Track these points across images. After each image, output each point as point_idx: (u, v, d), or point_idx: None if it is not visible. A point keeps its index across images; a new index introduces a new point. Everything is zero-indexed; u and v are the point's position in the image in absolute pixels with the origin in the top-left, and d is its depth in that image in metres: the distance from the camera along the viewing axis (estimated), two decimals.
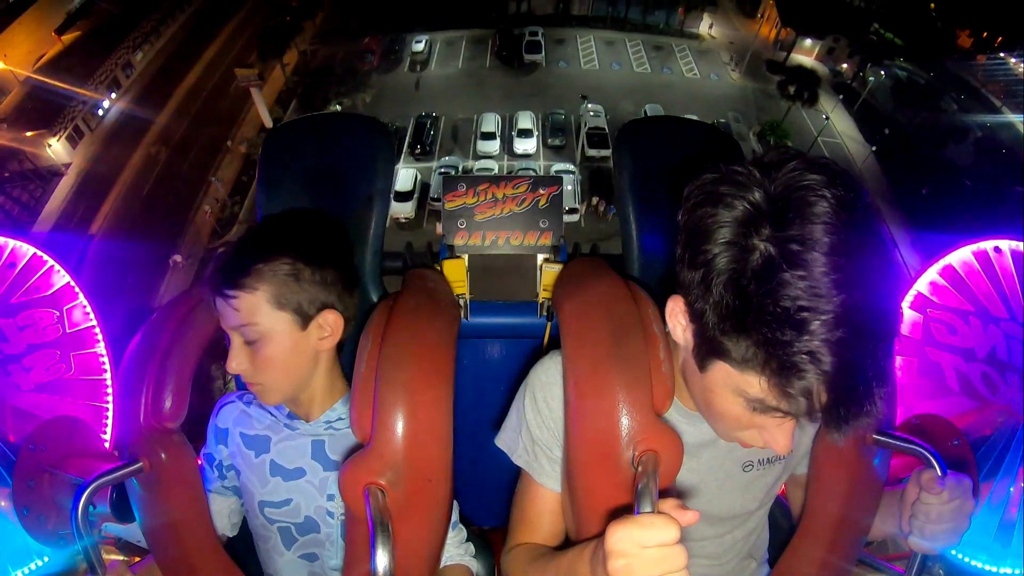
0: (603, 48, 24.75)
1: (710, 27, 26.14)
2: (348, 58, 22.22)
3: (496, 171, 17.01)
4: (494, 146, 18.50)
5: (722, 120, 20.15)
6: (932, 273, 1.33)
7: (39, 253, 1.29)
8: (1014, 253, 1.25)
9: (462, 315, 1.25)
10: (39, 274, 1.29)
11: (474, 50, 24.32)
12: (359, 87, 20.58)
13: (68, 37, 22.62)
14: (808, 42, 25.12)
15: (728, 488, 0.89)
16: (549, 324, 1.26)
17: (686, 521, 0.59)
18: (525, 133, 18.94)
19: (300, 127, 1.25)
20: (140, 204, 16.73)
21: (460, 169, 17.06)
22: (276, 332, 0.88)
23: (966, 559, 1.19)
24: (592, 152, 17.86)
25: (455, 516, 1.01)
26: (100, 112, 19.94)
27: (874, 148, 19.51)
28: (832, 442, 0.90)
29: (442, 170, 16.87)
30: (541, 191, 1.24)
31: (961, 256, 1.30)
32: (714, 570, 0.96)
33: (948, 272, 1.31)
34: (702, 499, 0.89)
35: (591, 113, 19.22)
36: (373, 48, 23.05)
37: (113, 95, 20.74)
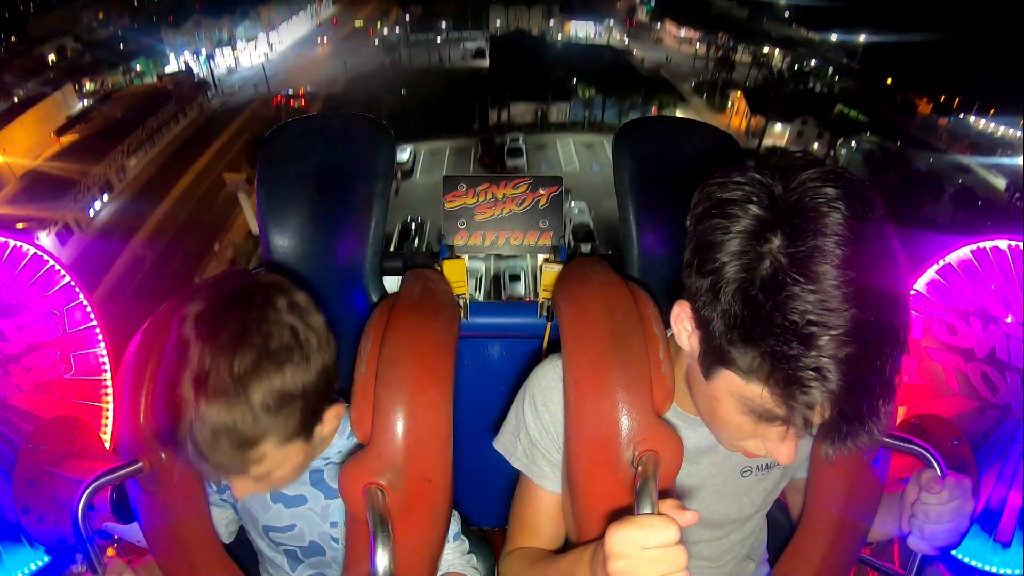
0: (583, 151, 26.38)
1: None
2: None
3: (482, 272, 17.05)
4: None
5: None
6: (932, 273, 1.33)
7: (39, 253, 1.29)
8: (1014, 253, 1.25)
9: (462, 315, 1.24)
10: (39, 274, 1.29)
11: (457, 158, 25.53)
12: None
13: (67, 139, 23.49)
14: (778, 127, 26.88)
15: (726, 493, 0.89)
16: (549, 324, 1.26)
17: (685, 521, 0.59)
18: None
19: (300, 127, 1.24)
20: (123, 304, 16.72)
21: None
22: (288, 460, 0.79)
23: (966, 559, 1.20)
24: (578, 246, 18.08)
25: (458, 527, 1.00)
26: (91, 213, 20.53)
27: None
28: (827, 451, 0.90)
29: None
30: (541, 191, 1.24)
31: (961, 256, 1.30)
32: (713, 571, 0.96)
33: (948, 272, 1.31)
34: (700, 503, 0.88)
35: (576, 211, 19.73)
36: None
37: (105, 197, 21.40)
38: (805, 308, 0.53)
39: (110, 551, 1.00)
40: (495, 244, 1.25)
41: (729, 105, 30.10)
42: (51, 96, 24.70)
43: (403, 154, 23.85)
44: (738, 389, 0.63)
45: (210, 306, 0.72)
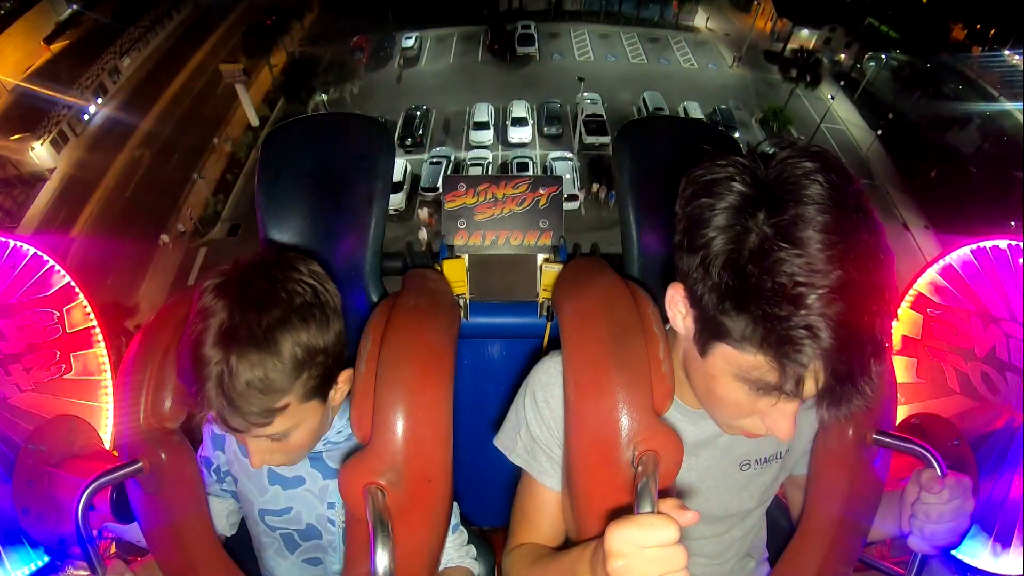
0: (598, 41, 24.74)
1: (706, 21, 26.32)
2: (336, 54, 22.14)
3: (490, 160, 16.88)
4: (487, 135, 18.27)
5: (723, 106, 20.04)
6: (932, 273, 1.33)
7: (39, 253, 1.29)
8: (1014, 253, 1.25)
9: (462, 315, 1.25)
10: (39, 274, 1.29)
11: (465, 46, 24.35)
12: (346, 78, 20.30)
13: (57, 46, 22.84)
14: (804, 32, 25.29)
15: (726, 487, 0.89)
16: (549, 324, 1.26)
17: (686, 521, 0.59)
18: (519, 122, 18.68)
19: (300, 127, 1.25)
20: (122, 206, 16.78)
21: (452, 159, 16.91)
22: (306, 421, 0.82)
23: (966, 559, 1.20)
24: (590, 140, 17.69)
25: (456, 519, 1.00)
26: (86, 117, 20.07)
27: (879, 132, 19.61)
28: (831, 442, 0.91)
29: (433, 160, 16.76)
30: (541, 191, 1.24)
31: (961, 256, 1.30)
32: (713, 569, 0.97)
33: (948, 272, 1.31)
34: (700, 498, 0.89)
35: (588, 101, 19.05)
36: (362, 46, 23.08)
37: (99, 100, 20.86)
38: (792, 271, 0.55)
39: (112, 550, 1.00)
40: (495, 244, 1.25)
41: (755, 4, 27.58)
42: (38, 4, 23.36)
43: (408, 41, 23.48)
44: (734, 361, 0.64)
45: (232, 276, 0.76)
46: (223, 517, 1.06)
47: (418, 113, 18.79)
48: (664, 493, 0.70)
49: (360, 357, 0.84)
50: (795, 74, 21.44)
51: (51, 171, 17.77)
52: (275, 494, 0.97)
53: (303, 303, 0.77)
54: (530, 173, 16.84)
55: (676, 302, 0.71)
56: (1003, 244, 1.26)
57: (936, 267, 1.32)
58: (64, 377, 1.30)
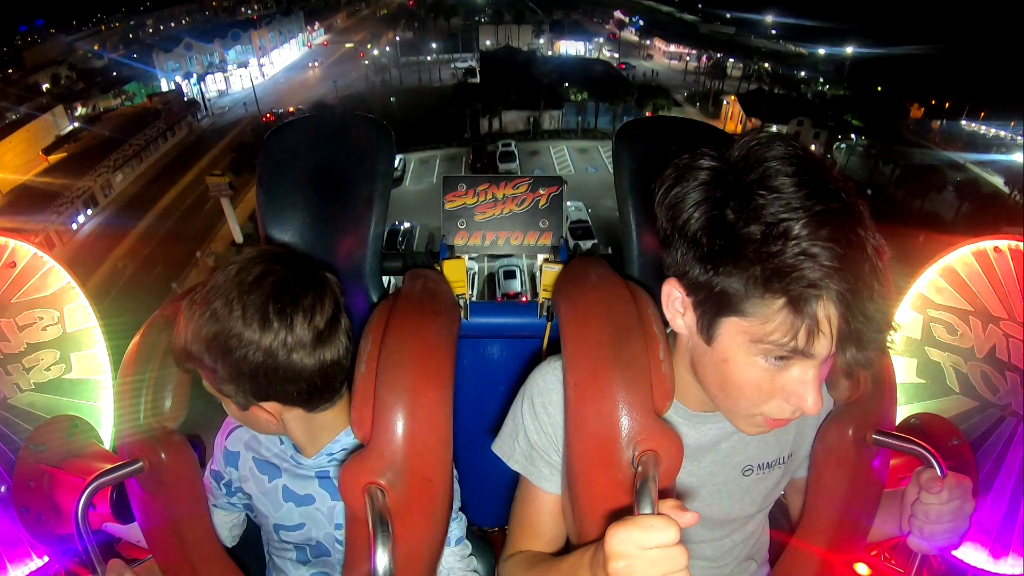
0: (577, 155, 26.21)
1: None
2: None
3: (475, 271, 16.88)
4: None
5: None
6: (932, 273, 1.33)
7: (39, 253, 1.29)
8: (1014, 253, 1.24)
9: (462, 315, 1.24)
10: (39, 274, 1.28)
11: (448, 166, 25.49)
12: None
13: (55, 157, 23.60)
14: (774, 128, 27.34)
15: (728, 492, 0.89)
16: (549, 324, 1.26)
17: (685, 522, 0.59)
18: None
19: (300, 127, 1.24)
20: (99, 314, 16.67)
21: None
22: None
23: (966, 559, 1.19)
24: (576, 243, 17.94)
25: (461, 532, 1.00)
26: (74, 227, 20.45)
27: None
28: (831, 442, 0.91)
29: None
30: (541, 191, 1.24)
31: (961, 256, 1.30)
32: (714, 572, 0.96)
33: (948, 272, 1.31)
34: (701, 502, 0.88)
35: (572, 208, 19.46)
36: None
37: (89, 212, 21.29)
38: (774, 211, 0.59)
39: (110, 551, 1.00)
40: (495, 244, 1.25)
41: (724, 111, 30.49)
42: (41, 117, 24.82)
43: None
44: (744, 330, 0.64)
45: (282, 275, 0.79)
46: (226, 529, 1.06)
47: (402, 228, 18.84)
48: (664, 493, 0.70)
49: (360, 357, 0.84)
50: None
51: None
52: (289, 510, 0.96)
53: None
54: (518, 281, 16.48)
55: (673, 299, 0.71)
56: (1003, 244, 1.26)
57: (936, 267, 1.32)
58: (64, 377, 1.30)
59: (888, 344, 0.63)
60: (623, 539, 0.57)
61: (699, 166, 0.65)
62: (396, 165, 23.48)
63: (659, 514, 0.59)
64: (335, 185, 1.15)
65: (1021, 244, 1.24)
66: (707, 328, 0.67)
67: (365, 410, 0.80)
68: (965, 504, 0.82)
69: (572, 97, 29.25)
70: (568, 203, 18.92)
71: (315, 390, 0.84)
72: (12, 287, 1.26)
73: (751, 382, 0.67)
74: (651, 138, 1.26)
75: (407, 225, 19.08)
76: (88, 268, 18.42)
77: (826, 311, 0.59)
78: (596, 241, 18.48)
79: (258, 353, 0.76)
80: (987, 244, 1.27)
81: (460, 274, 1.22)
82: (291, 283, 0.78)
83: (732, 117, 29.29)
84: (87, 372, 1.33)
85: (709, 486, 0.88)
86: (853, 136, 25.42)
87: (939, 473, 0.81)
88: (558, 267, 1.18)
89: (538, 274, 1.26)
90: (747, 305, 0.62)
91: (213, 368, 0.78)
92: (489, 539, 1.31)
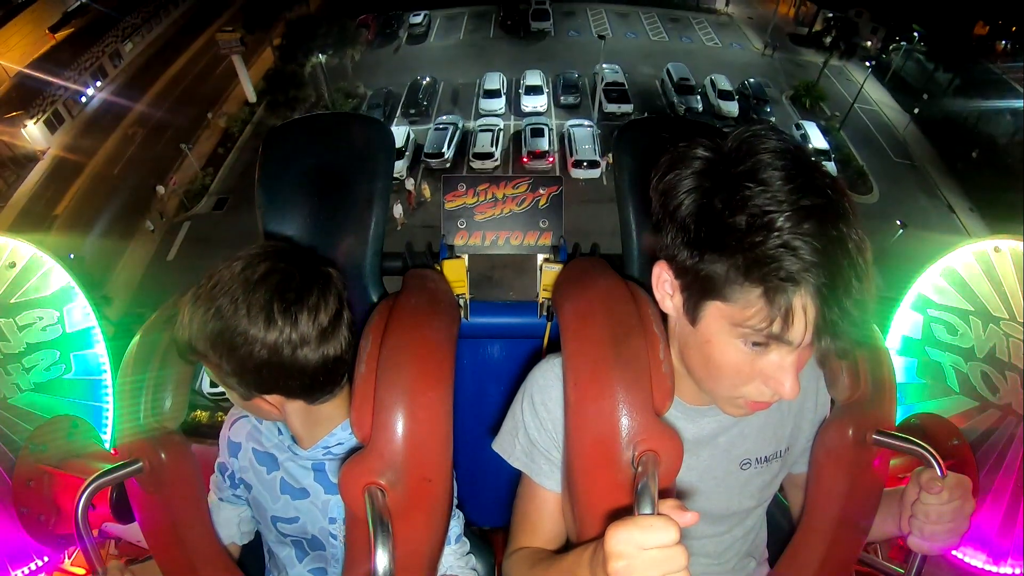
0: (616, 19, 24.25)
1: (727, 4, 26.00)
2: (339, 21, 21.43)
3: (501, 128, 16.30)
4: (499, 103, 17.53)
5: (752, 80, 19.48)
6: (932, 273, 1.33)
7: (39, 253, 1.29)
8: (1014, 253, 1.25)
9: (462, 315, 1.24)
10: (39, 274, 1.29)
11: (476, 23, 23.98)
12: (347, 43, 19.38)
13: (61, 34, 22.68)
14: (829, 16, 24.50)
15: (726, 486, 0.89)
16: (549, 324, 1.26)
17: (685, 522, 0.59)
18: (534, 90, 17.88)
19: (300, 127, 1.25)
20: (110, 182, 16.66)
21: (460, 126, 16.30)
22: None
23: (966, 559, 1.20)
24: (611, 108, 17.03)
25: (460, 529, 1.00)
26: (83, 100, 19.90)
27: (916, 111, 19.43)
28: (831, 441, 0.91)
29: (439, 126, 16.19)
30: (541, 191, 1.24)
31: (961, 256, 1.30)
32: (714, 569, 0.97)
33: (948, 272, 1.31)
34: (700, 497, 0.89)
35: (608, 70, 18.39)
36: (368, 23, 22.81)
37: (98, 84, 20.69)
38: (761, 202, 0.60)
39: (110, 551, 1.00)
40: (495, 244, 1.25)
41: None
42: None
43: (416, 18, 23.27)
44: (725, 315, 0.66)
45: (287, 272, 0.79)
46: (235, 525, 1.06)
47: (424, 83, 18.20)
48: (664, 493, 0.70)
49: (360, 357, 0.84)
50: (828, 42, 20.81)
51: (43, 152, 17.71)
52: (285, 503, 0.97)
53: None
54: (545, 140, 15.31)
55: (662, 280, 0.73)
56: (1003, 244, 1.26)
57: (936, 267, 1.32)
58: (64, 377, 1.30)
59: (867, 337, 0.64)
60: (623, 539, 0.57)
61: (693, 155, 0.67)
62: (420, 20, 22.81)
63: (659, 514, 0.59)
64: (335, 185, 1.15)
65: (1021, 244, 1.24)
66: (692, 310, 0.70)
67: (365, 410, 0.80)
68: (965, 504, 0.82)
69: None
70: (604, 65, 18.13)
71: (317, 384, 0.85)
72: (12, 287, 1.26)
73: (731, 364, 0.69)
74: (651, 138, 1.26)
75: (428, 80, 18.57)
76: (99, 137, 18.29)
77: (803, 302, 0.61)
78: (632, 107, 17.23)
79: (263, 350, 0.77)
80: (987, 244, 1.27)
81: (460, 274, 1.22)
82: (296, 280, 0.79)
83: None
84: (87, 372, 1.33)
85: (708, 480, 0.88)
86: (915, 36, 22.55)
87: (939, 473, 0.81)
88: (558, 267, 1.18)
89: (538, 273, 1.26)
90: (729, 291, 0.64)
91: (218, 364, 0.79)
92: (489, 538, 1.31)
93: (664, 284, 0.73)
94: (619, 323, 0.81)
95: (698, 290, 0.67)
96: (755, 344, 0.66)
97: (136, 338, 0.95)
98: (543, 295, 1.25)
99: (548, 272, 1.21)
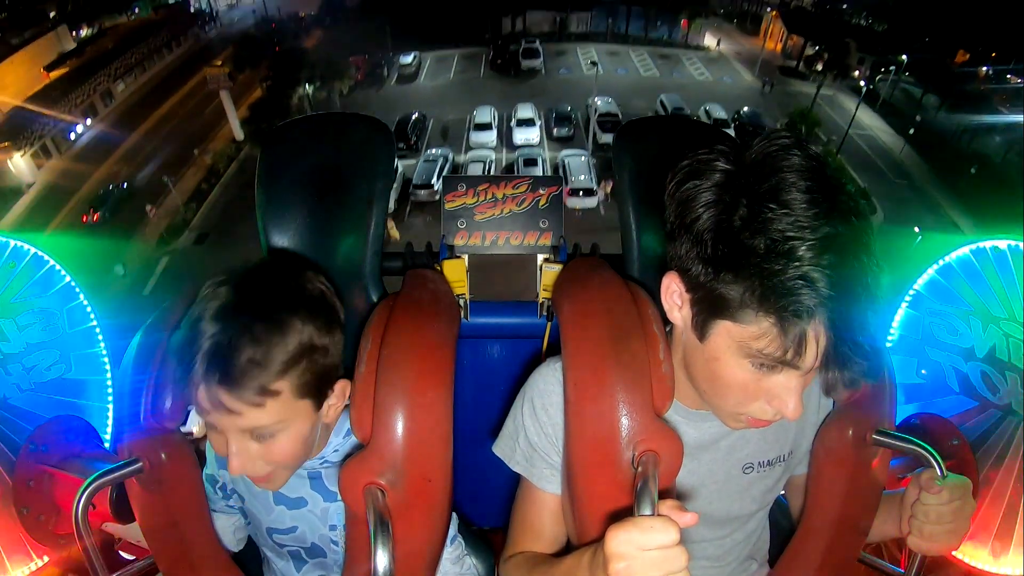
0: (606, 57, 24.74)
1: (717, 43, 26.56)
2: (328, 56, 21.88)
3: (492, 159, 16.31)
4: (490, 137, 17.57)
5: (746, 109, 19.84)
6: (932, 273, 1.33)
7: (39, 253, 1.29)
8: (1014, 253, 1.24)
9: (462, 315, 1.24)
10: (39, 274, 1.29)
11: (467, 64, 24.50)
12: (335, 75, 19.72)
13: (56, 73, 23.09)
14: (818, 48, 25.13)
15: (728, 490, 0.89)
16: (549, 324, 1.26)
17: (685, 522, 0.59)
18: (526, 123, 17.97)
19: (300, 127, 1.25)
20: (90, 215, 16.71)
21: (450, 159, 16.29)
22: (295, 423, 0.78)
23: (966, 559, 1.19)
24: (605, 139, 17.02)
25: (455, 530, 0.99)
26: (72, 136, 20.15)
27: (911, 132, 19.75)
28: (831, 442, 0.91)
29: (427, 159, 16.11)
30: (541, 191, 1.24)
31: (961, 256, 1.30)
32: (715, 571, 0.96)
33: (948, 272, 1.31)
34: (702, 501, 0.88)
35: (601, 102, 18.64)
36: (358, 64, 23.20)
37: (89, 122, 20.97)
38: (782, 227, 0.58)
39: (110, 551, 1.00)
40: (495, 244, 1.25)
41: (763, 26, 28.05)
42: (45, 36, 23.78)
43: (407, 59, 23.53)
44: (735, 335, 0.65)
45: (236, 271, 0.77)
46: (230, 533, 1.06)
47: (413, 118, 18.30)
48: (664, 493, 0.70)
49: (360, 357, 0.84)
50: (820, 67, 21.15)
51: (29, 186, 17.90)
52: (280, 513, 0.96)
53: (312, 298, 0.79)
54: (539, 169, 15.27)
55: (672, 292, 0.72)
56: (1003, 244, 1.26)
57: (936, 267, 1.32)
58: (64, 377, 1.30)
59: (871, 370, 0.64)
60: (623, 540, 0.57)
61: (715, 167, 0.65)
62: (410, 60, 23.10)
63: (659, 515, 0.59)
64: (335, 185, 1.15)
65: (1021, 244, 1.24)
66: (701, 326, 0.69)
67: (365, 410, 0.80)
68: (965, 504, 0.82)
69: None
70: (597, 99, 18.36)
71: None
72: (12, 287, 1.26)
73: (737, 383, 0.69)
74: (651, 138, 1.26)
75: (417, 115, 18.66)
76: (85, 173, 18.32)
77: (816, 332, 0.61)
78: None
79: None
80: (987, 244, 1.27)
81: (460, 274, 1.22)
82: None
83: (772, 35, 27.04)
84: (87, 372, 1.33)
85: (709, 484, 0.88)
86: (901, 63, 22.98)
87: (939, 473, 0.81)
88: (558, 267, 1.18)
89: (538, 273, 1.25)
90: (741, 314, 0.63)
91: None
92: (488, 539, 1.31)
93: (673, 295, 0.72)
94: (619, 323, 0.80)
95: (709, 308, 0.66)
96: (762, 366, 0.65)
97: (136, 338, 0.95)
98: (543, 295, 1.24)
99: (548, 272, 1.21)
